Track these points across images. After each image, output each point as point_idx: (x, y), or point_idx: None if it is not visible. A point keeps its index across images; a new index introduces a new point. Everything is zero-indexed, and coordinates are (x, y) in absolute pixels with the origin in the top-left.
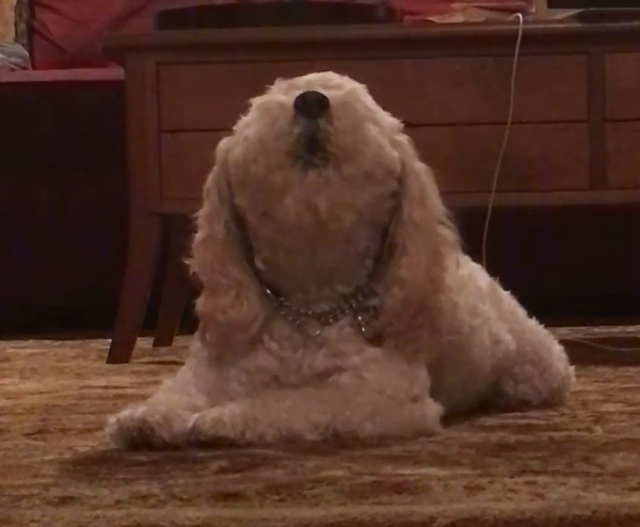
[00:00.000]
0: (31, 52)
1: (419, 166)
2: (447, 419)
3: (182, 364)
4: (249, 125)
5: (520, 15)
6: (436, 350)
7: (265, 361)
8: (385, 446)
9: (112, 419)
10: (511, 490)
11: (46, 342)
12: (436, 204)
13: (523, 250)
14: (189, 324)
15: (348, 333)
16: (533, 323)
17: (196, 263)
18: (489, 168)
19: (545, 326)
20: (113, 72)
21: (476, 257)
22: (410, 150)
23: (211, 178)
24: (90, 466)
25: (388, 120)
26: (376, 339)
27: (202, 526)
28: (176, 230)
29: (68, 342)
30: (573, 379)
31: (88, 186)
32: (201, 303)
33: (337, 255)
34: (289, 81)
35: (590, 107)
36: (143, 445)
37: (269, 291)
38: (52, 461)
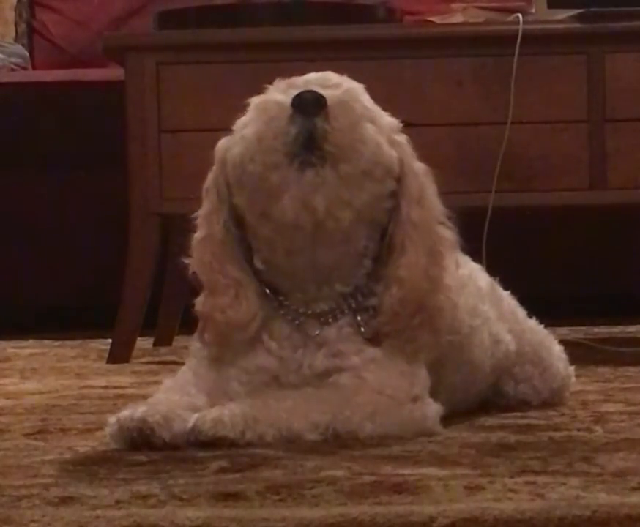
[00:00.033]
0: (31, 52)
1: (418, 166)
2: (447, 419)
3: (182, 364)
4: (247, 125)
5: (520, 15)
6: (435, 350)
7: (265, 360)
8: (385, 446)
9: (112, 419)
10: (511, 490)
11: (46, 342)
12: (435, 204)
13: (523, 250)
14: (189, 324)
15: (347, 333)
16: (533, 323)
17: (195, 262)
18: (489, 168)
19: (545, 326)
20: (113, 72)
21: (476, 257)
22: (409, 150)
23: (210, 178)
24: (90, 466)
25: (386, 119)
26: (375, 339)
27: (202, 526)
28: (176, 230)
29: (68, 342)
30: (573, 379)
31: (88, 186)
32: (200, 302)
33: (336, 255)
34: (287, 80)
35: (590, 107)
36: (143, 445)
37: (268, 291)
38: (52, 461)
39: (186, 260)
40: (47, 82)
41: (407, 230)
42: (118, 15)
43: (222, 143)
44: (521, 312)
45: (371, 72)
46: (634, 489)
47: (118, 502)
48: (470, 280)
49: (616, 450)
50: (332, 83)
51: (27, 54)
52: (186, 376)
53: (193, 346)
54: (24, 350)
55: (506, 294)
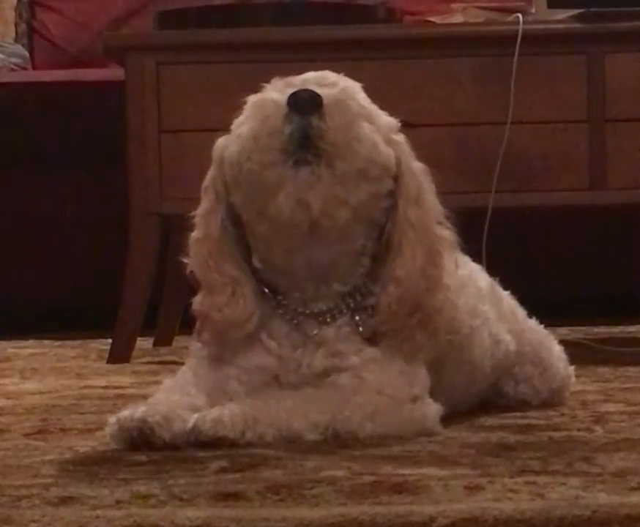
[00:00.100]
0: (31, 52)
1: (416, 165)
2: (447, 419)
3: (182, 364)
4: (243, 123)
5: (520, 15)
6: (435, 350)
7: (264, 360)
8: (385, 446)
9: (112, 419)
10: (511, 490)
11: (46, 342)
12: (434, 204)
13: (523, 250)
14: (189, 324)
15: (346, 332)
16: (533, 323)
17: (192, 261)
18: (489, 168)
19: (545, 326)
20: (113, 72)
21: (476, 257)
22: (407, 149)
23: (208, 177)
24: (90, 466)
25: (384, 119)
26: (373, 339)
27: (202, 526)
28: (176, 231)
29: (68, 342)
30: (573, 379)
31: (88, 186)
32: (197, 302)
33: (333, 253)
34: (285, 79)
35: (590, 107)
36: (143, 445)
37: (266, 290)
38: (52, 461)
39: (184, 260)
40: (47, 82)
41: (405, 229)
42: (119, 15)
43: (220, 142)
44: (521, 312)
45: (371, 72)
46: (634, 489)
47: (118, 502)
48: (470, 280)
49: (616, 450)
50: (329, 82)
51: (27, 54)
52: (186, 376)
53: (193, 346)
54: (24, 350)
55: (506, 294)
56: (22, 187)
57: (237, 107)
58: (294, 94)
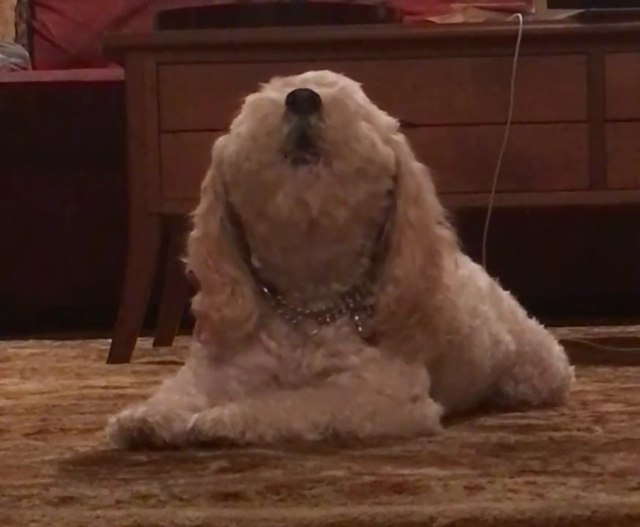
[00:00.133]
0: (31, 52)
1: (416, 165)
2: (447, 419)
3: (182, 364)
4: (242, 123)
5: (520, 15)
6: (434, 350)
7: (264, 359)
8: (385, 446)
9: (112, 419)
10: (511, 490)
11: (46, 342)
12: (433, 203)
13: (523, 250)
14: (189, 324)
15: (345, 332)
16: (533, 323)
17: (191, 260)
18: (489, 168)
19: (545, 326)
20: (113, 72)
21: (476, 257)
22: (406, 149)
23: (207, 177)
24: (90, 466)
25: (383, 118)
26: (372, 339)
27: (202, 526)
28: (176, 230)
29: (68, 342)
30: (573, 379)
31: (88, 186)
32: (196, 301)
33: (332, 253)
34: (284, 79)
35: (590, 107)
36: (143, 445)
37: (265, 290)
38: (52, 461)
39: (183, 259)
40: (47, 82)
41: (404, 229)
42: (119, 15)
43: (220, 141)
44: (520, 312)
45: (371, 72)
46: (634, 489)
47: (118, 502)
48: (470, 280)
49: (616, 450)
50: (328, 82)
51: (27, 54)
52: (186, 376)
53: (193, 346)
54: (24, 350)
55: (506, 294)
56: (22, 187)
57: (237, 107)
58: (292, 93)
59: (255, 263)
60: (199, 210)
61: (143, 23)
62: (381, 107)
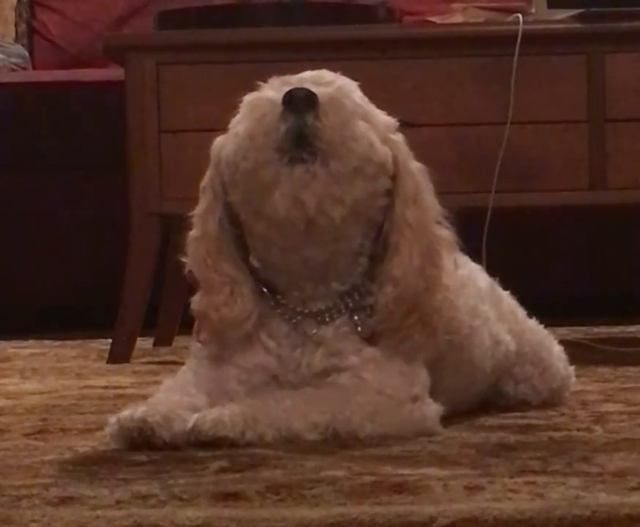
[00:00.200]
0: (31, 52)
1: (414, 165)
2: (447, 419)
3: (182, 364)
4: (239, 122)
5: (520, 15)
6: (434, 350)
7: (263, 359)
8: (385, 446)
9: (112, 419)
10: (511, 490)
11: (46, 342)
12: (432, 203)
13: (523, 250)
14: (189, 324)
15: (345, 332)
16: (533, 323)
17: (190, 260)
18: (489, 168)
19: (545, 326)
20: (113, 72)
21: (476, 257)
22: (404, 148)
23: (206, 177)
24: (90, 466)
25: (381, 118)
26: (371, 339)
27: (202, 526)
28: (176, 230)
29: (68, 342)
30: (573, 379)
31: (88, 186)
32: (196, 301)
33: (330, 252)
34: (281, 78)
35: (590, 107)
36: (143, 445)
37: (264, 289)
38: (52, 461)
39: (182, 259)
40: (47, 82)
41: (402, 229)
42: (119, 16)
43: (218, 141)
44: (520, 313)
45: (371, 72)
46: (634, 489)
47: (118, 502)
48: (470, 281)
49: (616, 450)
50: (325, 81)
51: (27, 54)
52: (186, 376)
53: (194, 346)
54: (24, 350)
55: (506, 294)
56: (22, 187)
57: (237, 107)
58: (289, 92)
59: (254, 262)
60: (198, 210)
61: (143, 23)
62: (381, 107)
